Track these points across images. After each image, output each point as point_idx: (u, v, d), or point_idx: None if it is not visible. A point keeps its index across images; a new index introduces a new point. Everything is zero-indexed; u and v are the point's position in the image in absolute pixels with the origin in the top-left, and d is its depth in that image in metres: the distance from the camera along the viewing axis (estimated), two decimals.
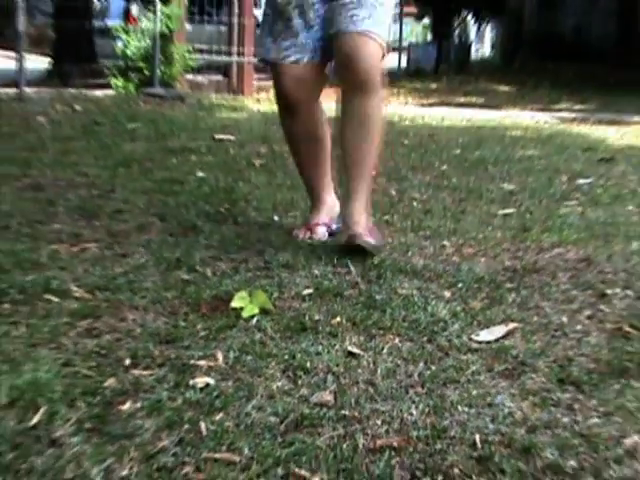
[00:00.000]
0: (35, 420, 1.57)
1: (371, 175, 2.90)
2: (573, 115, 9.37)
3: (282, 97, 2.90)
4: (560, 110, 10.26)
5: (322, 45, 2.78)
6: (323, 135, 3.03)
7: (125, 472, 1.41)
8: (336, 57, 2.75)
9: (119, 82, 9.51)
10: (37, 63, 10.94)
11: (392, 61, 17.09)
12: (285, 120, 3.00)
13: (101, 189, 3.73)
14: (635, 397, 1.76)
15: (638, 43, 15.34)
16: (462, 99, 11.64)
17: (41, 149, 4.75)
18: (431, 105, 10.58)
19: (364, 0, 2.66)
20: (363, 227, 2.71)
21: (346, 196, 2.86)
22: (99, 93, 8.94)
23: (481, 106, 10.50)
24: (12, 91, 7.92)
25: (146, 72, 9.47)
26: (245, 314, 2.14)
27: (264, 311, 2.17)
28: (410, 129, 6.88)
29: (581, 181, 4.37)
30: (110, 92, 9.24)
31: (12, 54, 8.50)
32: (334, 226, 3.02)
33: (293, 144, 3.09)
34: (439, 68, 16.53)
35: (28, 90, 8.14)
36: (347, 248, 2.68)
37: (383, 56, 2.74)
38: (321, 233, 2.98)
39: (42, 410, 1.60)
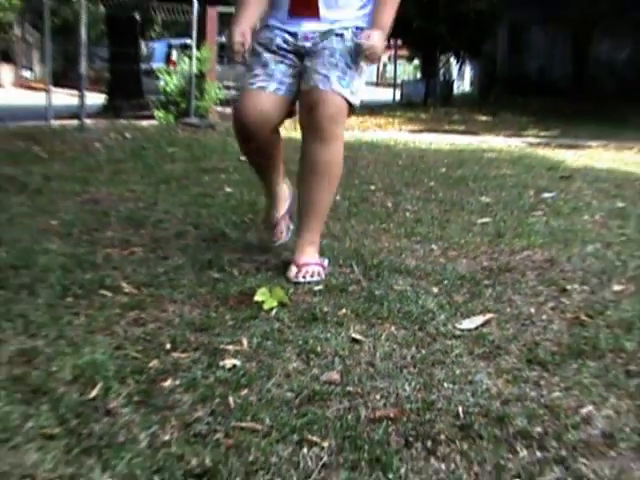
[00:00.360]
0: (93, 394, 1.58)
1: (323, 213, 2.59)
2: (538, 140, 9.35)
3: (240, 121, 2.52)
4: (528, 136, 10.24)
5: (289, 82, 2.51)
6: (277, 152, 2.70)
7: (167, 437, 1.42)
8: (301, 104, 2.50)
9: (161, 114, 9.56)
10: (95, 99, 10.99)
11: (388, 95, 17.09)
12: (241, 144, 2.65)
13: (146, 202, 3.73)
14: (590, 374, 1.76)
15: (589, 81, 15.45)
16: (447, 127, 11.61)
17: (97, 170, 4.76)
18: (421, 131, 10.56)
19: (338, 61, 2.43)
20: (307, 257, 2.50)
21: (298, 229, 2.66)
22: (145, 123, 8.97)
23: (462, 132, 10.48)
24: (75, 122, 7.96)
25: (183, 105, 9.51)
26: (266, 307, 2.14)
27: (282, 304, 2.17)
28: (403, 151, 6.87)
29: (545, 195, 4.35)
30: (154, 122, 9.26)
31: (75, 92, 8.54)
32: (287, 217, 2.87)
33: (250, 160, 2.78)
34: (427, 101, 16.50)
35: (87, 121, 8.17)
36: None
37: (350, 113, 2.51)
38: (282, 234, 2.83)
39: (99, 386, 1.61)
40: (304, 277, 2.43)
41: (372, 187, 4.45)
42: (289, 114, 2.60)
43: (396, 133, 10.03)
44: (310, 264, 2.47)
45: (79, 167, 4.85)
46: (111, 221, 3.26)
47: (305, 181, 2.55)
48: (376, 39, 2.44)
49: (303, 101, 2.48)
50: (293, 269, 2.46)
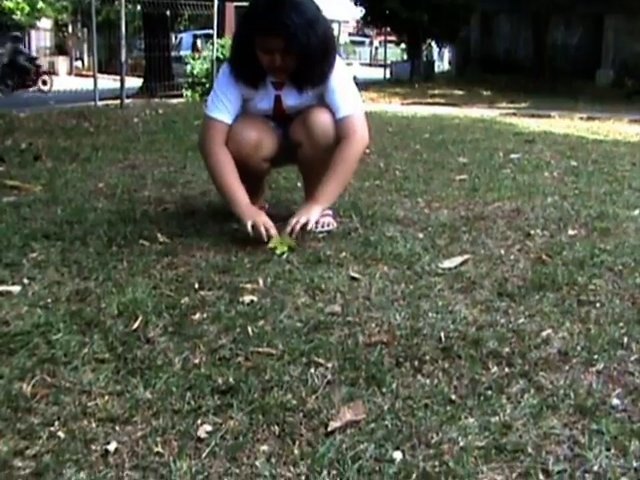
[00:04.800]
0: (135, 325, 1.58)
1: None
2: (506, 111, 9.23)
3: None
4: (497, 107, 10.10)
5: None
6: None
7: (197, 361, 1.42)
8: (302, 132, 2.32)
9: (189, 93, 9.52)
10: (133, 83, 10.88)
11: (380, 74, 16.83)
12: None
13: (176, 167, 3.70)
14: (549, 304, 1.75)
15: (547, 62, 15.39)
16: (429, 99, 11.44)
17: (135, 140, 4.72)
18: (408, 104, 10.42)
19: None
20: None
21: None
22: (175, 101, 8.87)
23: (443, 104, 10.33)
24: (117, 102, 7.89)
25: (207, 85, 9.38)
26: (278, 252, 2.12)
27: (291, 249, 2.15)
28: (393, 120, 6.78)
29: (513, 156, 4.30)
30: (182, 100, 9.19)
31: (117, 77, 8.48)
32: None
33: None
34: (413, 78, 16.24)
35: (127, 101, 8.10)
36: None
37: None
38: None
39: (140, 319, 1.61)
40: (322, 226, 2.40)
41: (367, 150, 4.38)
42: None
43: (386, 105, 9.90)
44: (325, 215, 2.43)
45: (120, 139, 4.82)
46: (147, 183, 3.25)
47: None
48: (311, 215, 2.18)
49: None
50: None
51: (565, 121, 7.42)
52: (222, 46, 9.45)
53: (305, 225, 2.18)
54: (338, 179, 2.27)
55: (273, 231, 2.17)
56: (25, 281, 1.85)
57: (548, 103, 10.08)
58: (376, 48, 32.46)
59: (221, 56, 9.40)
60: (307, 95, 2.32)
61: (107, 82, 9.66)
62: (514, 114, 8.43)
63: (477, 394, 1.30)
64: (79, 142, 4.54)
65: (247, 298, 1.75)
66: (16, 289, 1.79)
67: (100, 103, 7.85)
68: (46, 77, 14.04)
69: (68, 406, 1.24)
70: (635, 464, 1.10)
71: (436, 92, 13.23)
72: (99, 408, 1.23)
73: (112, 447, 1.12)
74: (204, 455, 1.11)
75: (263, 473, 1.07)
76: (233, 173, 2.26)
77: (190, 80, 9.82)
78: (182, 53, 13.61)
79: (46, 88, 13.46)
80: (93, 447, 1.13)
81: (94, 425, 1.19)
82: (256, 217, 2.18)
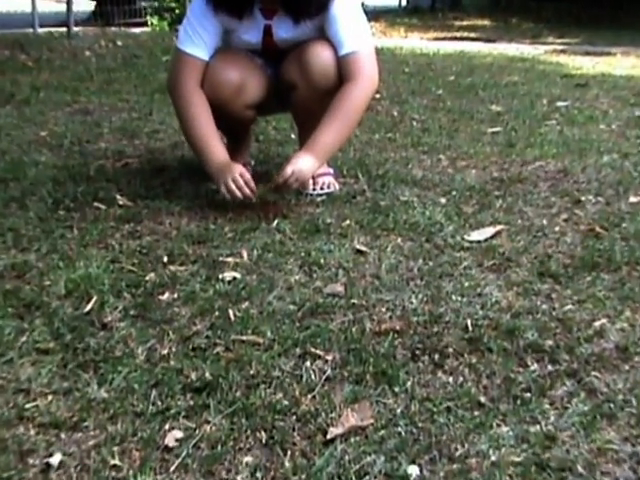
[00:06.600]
0: (88, 308, 1.57)
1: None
2: (553, 47, 9.16)
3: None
4: (541, 43, 10.02)
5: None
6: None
7: (165, 351, 1.42)
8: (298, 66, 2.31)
9: (154, 20, 9.40)
10: (84, 6, 10.74)
11: (394, 1, 16.65)
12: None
13: (140, 113, 3.69)
14: (604, 287, 1.75)
15: None
16: (456, 33, 11.36)
17: (88, 79, 4.69)
18: (428, 39, 10.33)
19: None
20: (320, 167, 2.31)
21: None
22: (137, 30, 8.75)
23: (472, 39, 10.25)
24: (62, 30, 7.79)
25: (178, 11, 9.28)
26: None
27: (283, 216, 2.15)
28: (410, 59, 6.73)
29: (559, 103, 4.28)
30: (147, 29, 9.08)
31: None
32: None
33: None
34: (435, 6, 16.08)
35: (76, 29, 8.00)
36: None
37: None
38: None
39: (94, 299, 1.60)
40: (322, 188, 2.39)
41: (377, 95, 4.36)
42: None
43: (402, 40, 9.81)
44: (324, 174, 2.43)
45: (68, 76, 4.78)
46: (103, 132, 3.23)
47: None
48: (304, 166, 2.16)
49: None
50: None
51: (629, 60, 7.34)
52: None
53: (298, 180, 2.16)
54: (339, 128, 2.25)
55: (252, 185, 2.15)
56: None
57: (607, 37, 10.00)
58: None
59: None
60: (304, 26, 2.29)
61: (49, 4, 9.57)
62: (563, 51, 8.38)
63: (512, 396, 1.30)
64: (14, 79, 4.51)
65: (228, 275, 1.75)
66: None
67: (41, 30, 7.75)
68: None
69: (0, 409, 1.24)
70: None
71: (464, 24, 13.13)
72: (40, 411, 1.23)
73: (56, 460, 1.12)
74: (173, 468, 1.11)
75: None
76: (209, 122, 2.25)
77: (156, 4, 9.72)
78: None
79: None
80: (31, 460, 1.12)
81: (33, 432, 1.18)
82: (233, 173, 2.15)
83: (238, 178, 2.14)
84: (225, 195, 2.15)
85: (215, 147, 2.23)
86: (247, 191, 2.15)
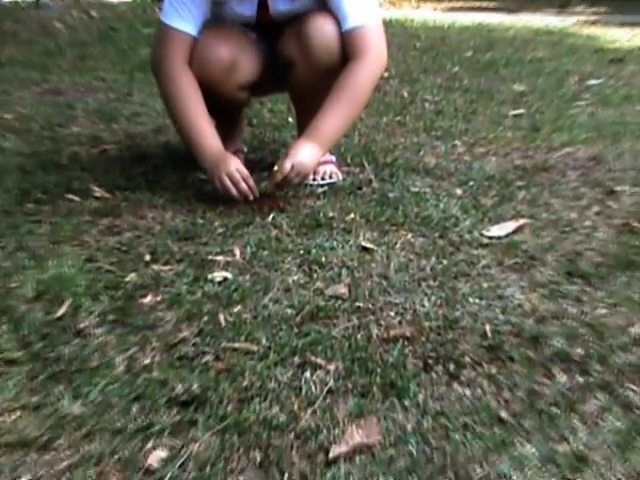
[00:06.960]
0: (61, 312, 1.58)
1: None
2: (584, 18, 9.16)
3: None
4: (571, 13, 10.02)
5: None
6: None
7: (147, 361, 1.42)
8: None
9: None
10: None
11: None
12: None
13: (119, 93, 3.70)
14: None
15: None
16: (474, 3, 11.37)
17: (59, 54, 4.70)
18: (442, 9, 10.34)
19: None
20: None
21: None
22: (115, 0, 8.78)
23: (492, 10, 10.26)
24: None
25: None
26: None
27: (280, 209, 2.15)
28: (422, 32, 6.75)
29: (591, 82, 4.29)
30: (126, 0, 9.11)
31: None
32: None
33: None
34: None
35: None
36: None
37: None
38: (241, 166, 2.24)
39: (67, 303, 1.61)
40: (323, 178, 2.40)
41: (385, 74, 4.37)
42: None
43: (412, 11, 9.82)
44: (326, 163, 2.44)
45: (37, 51, 4.80)
46: (77, 115, 3.24)
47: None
48: (304, 157, 2.17)
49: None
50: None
51: None
52: None
53: (299, 175, 2.18)
54: (343, 112, 2.26)
55: (251, 182, 2.17)
56: None
57: None
58: None
59: None
60: None
61: None
62: (595, 22, 8.38)
63: (537, 411, 1.30)
64: None
65: (218, 275, 1.76)
66: None
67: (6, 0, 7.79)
68: None
69: None
70: None
71: None
72: (6, 428, 1.23)
73: None
74: None
75: None
76: (199, 106, 2.25)
77: None
78: None
79: None
80: None
81: None
82: (229, 167, 2.17)
83: (234, 172, 2.15)
84: (220, 191, 2.16)
85: (208, 135, 2.24)
86: (244, 187, 2.16)
